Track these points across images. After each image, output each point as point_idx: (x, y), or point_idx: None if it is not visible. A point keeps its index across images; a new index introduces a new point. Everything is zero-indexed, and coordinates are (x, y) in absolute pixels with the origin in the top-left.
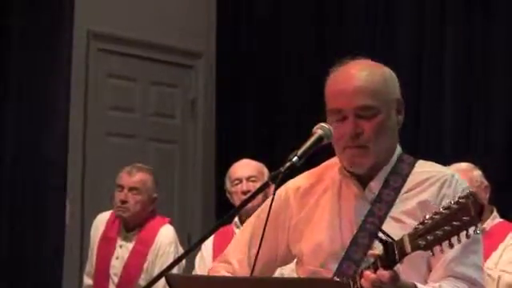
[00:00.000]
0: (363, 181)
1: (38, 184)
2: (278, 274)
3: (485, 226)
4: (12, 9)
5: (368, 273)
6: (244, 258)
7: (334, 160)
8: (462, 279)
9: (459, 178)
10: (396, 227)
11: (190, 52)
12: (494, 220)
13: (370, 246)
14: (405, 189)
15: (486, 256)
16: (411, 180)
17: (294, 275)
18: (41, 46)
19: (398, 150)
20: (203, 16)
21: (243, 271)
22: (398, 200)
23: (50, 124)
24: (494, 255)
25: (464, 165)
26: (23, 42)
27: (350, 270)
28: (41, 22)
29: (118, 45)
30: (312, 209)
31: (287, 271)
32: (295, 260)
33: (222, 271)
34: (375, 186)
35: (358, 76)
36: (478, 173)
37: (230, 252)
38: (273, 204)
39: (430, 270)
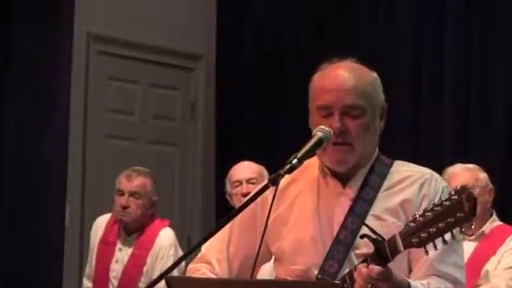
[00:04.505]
0: (342, 180)
1: (38, 186)
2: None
3: (484, 229)
4: (12, 12)
5: (362, 268)
6: (223, 257)
7: (312, 160)
8: (445, 278)
9: (438, 178)
10: (377, 225)
11: (190, 54)
12: (493, 223)
13: (352, 245)
14: (384, 187)
15: (485, 260)
16: (390, 179)
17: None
18: (41, 49)
19: (376, 151)
20: (203, 18)
21: (222, 271)
22: (377, 198)
23: (50, 126)
24: (493, 260)
25: (471, 165)
26: (23, 45)
27: (332, 269)
28: (40, 25)
29: (117, 47)
30: (290, 207)
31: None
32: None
33: (203, 269)
34: (355, 184)
35: (350, 76)
36: (484, 175)
37: (208, 252)
38: (252, 202)
39: (409, 266)
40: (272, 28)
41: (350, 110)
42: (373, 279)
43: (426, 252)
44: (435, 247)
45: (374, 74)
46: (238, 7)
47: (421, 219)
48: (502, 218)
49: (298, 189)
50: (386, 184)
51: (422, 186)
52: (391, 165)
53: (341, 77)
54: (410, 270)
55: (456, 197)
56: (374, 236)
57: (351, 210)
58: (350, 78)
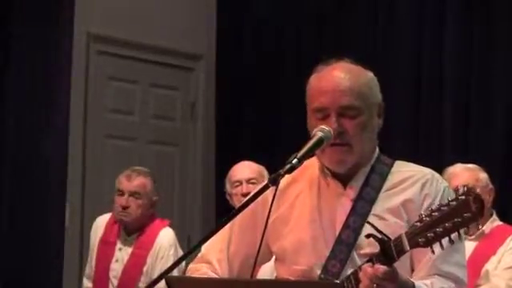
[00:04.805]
0: (343, 180)
1: (38, 186)
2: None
3: (484, 228)
4: (12, 12)
5: (367, 267)
6: (223, 257)
7: (312, 160)
8: (448, 277)
9: (439, 178)
10: (379, 224)
11: (190, 54)
12: (493, 223)
13: (354, 245)
14: (385, 187)
15: (485, 260)
16: (391, 179)
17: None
18: (41, 49)
19: (377, 151)
20: (203, 18)
21: (223, 271)
22: (378, 198)
23: (50, 126)
24: (494, 259)
25: (472, 165)
26: (23, 45)
27: (335, 268)
28: (40, 25)
29: (117, 47)
30: (290, 206)
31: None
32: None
33: (204, 269)
34: (356, 184)
35: (345, 77)
36: (484, 175)
37: (209, 252)
38: (252, 202)
39: (411, 266)
40: (272, 28)
41: (346, 110)
42: (378, 279)
43: (433, 252)
44: (442, 247)
45: (370, 74)
46: (238, 7)
47: (427, 219)
48: (502, 217)
49: (298, 189)
50: (387, 184)
51: (423, 185)
52: (392, 165)
53: (337, 78)
54: (412, 270)
55: (463, 197)
56: (379, 236)
57: (353, 209)
58: (346, 79)
